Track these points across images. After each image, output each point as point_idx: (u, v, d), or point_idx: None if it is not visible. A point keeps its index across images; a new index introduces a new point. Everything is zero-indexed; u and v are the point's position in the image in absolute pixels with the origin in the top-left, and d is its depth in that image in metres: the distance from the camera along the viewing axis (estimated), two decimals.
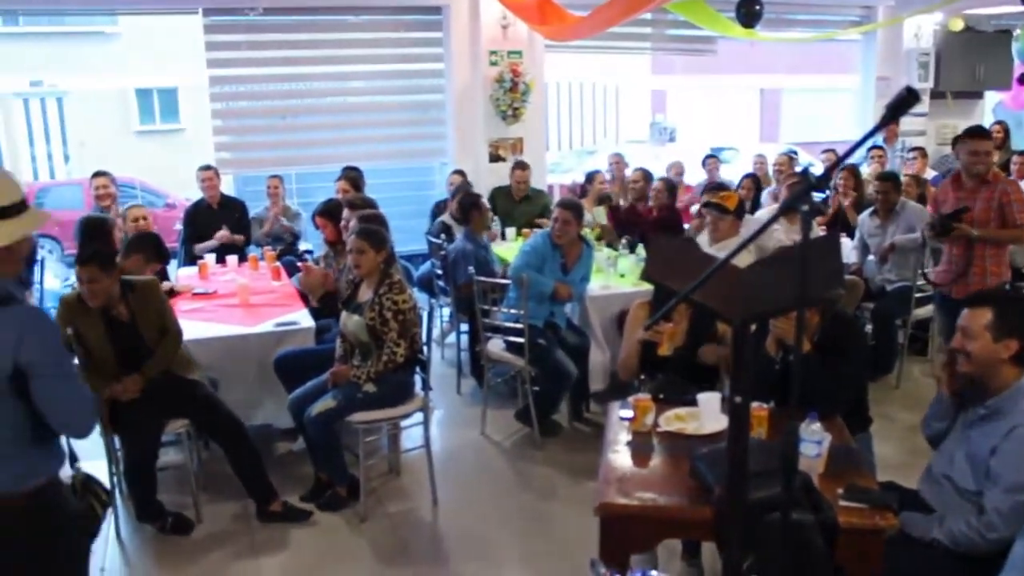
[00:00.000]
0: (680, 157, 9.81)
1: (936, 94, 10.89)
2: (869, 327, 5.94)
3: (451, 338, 6.80)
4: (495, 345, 5.34)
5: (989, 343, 2.82)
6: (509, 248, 6.76)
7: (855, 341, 3.51)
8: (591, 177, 8.26)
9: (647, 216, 7.04)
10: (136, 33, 17.74)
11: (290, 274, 6.23)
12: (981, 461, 2.78)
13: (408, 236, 8.08)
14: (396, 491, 4.69)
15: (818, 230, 6.40)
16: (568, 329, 5.46)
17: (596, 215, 7.28)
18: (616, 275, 5.86)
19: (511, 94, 8.59)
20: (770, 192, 8.17)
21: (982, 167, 4.92)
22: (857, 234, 6.47)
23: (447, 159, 9.06)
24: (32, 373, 2.30)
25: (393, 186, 9.20)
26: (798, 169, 8.81)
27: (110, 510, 3.08)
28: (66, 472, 2.76)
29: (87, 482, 2.84)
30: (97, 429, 3.49)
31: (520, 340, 5.06)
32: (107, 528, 2.97)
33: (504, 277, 5.52)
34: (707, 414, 3.20)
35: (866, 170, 8.59)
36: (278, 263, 6.41)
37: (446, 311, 6.95)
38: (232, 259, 6.69)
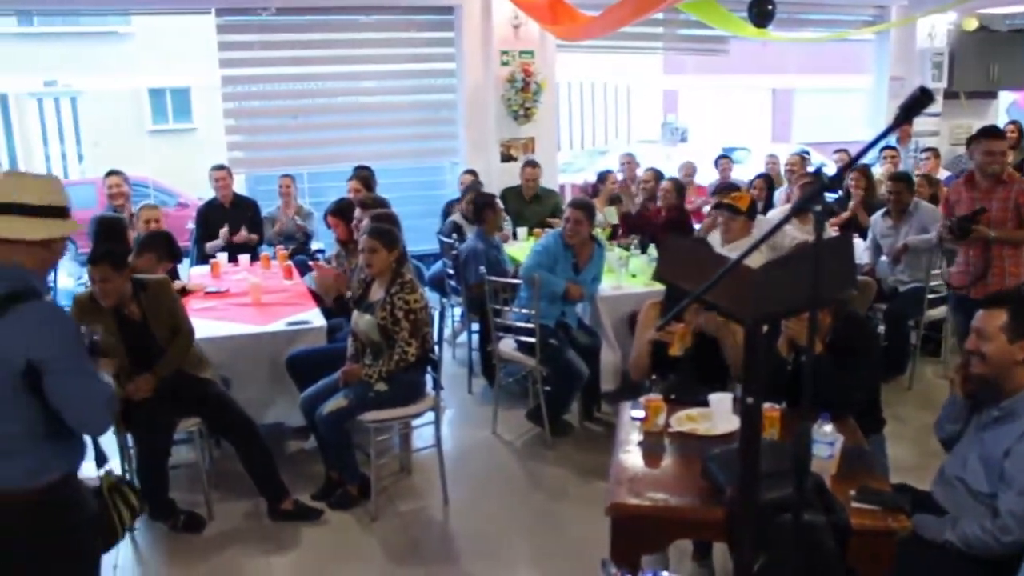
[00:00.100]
0: (692, 157, 9.78)
1: (950, 94, 10.83)
2: (882, 328, 5.91)
3: (462, 338, 6.81)
4: (506, 345, 5.34)
5: (1004, 344, 2.81)
6: (521, 248, 6.75)
7: (867, 342, 3.50)
8: (603, 177, 8.26)
9: (656, 217, 7.03)
10: (149, 33, 17.80)
11: (302, 273, 6.25)
12: (995, 463, 2.76)
13: (419, 236, 8.08)
14: (407, 490, 4.69)
15: (831, 231, 6.37)
16: (579, 329, 5.46)
17: (608, 215, 7.27)
18: (628, 275, 5.85)
19: (523, 94, 8.59)
20: (784, 192, 8.15)
21: (997, 167, 4.90)
22: (870, 235, 6.44)
23: (458, 159, 9.06)
24: (45, 369, 2.31)
25: (404, 186, 9.20)
26: (810, 169, 8.78)
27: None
28: (94, 473, 2.77)
29: (118, 486, 2.81)
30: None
31: (531, 340, 5.06)
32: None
33: (515, 277, 5.52)
34: (719, 415, 3.19)
35: (879, 170, 8.55)
36: (290, 262, 6.43)
37: (457, 311, 6.95)
38: (244, 258, 6.71)
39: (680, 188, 7.11)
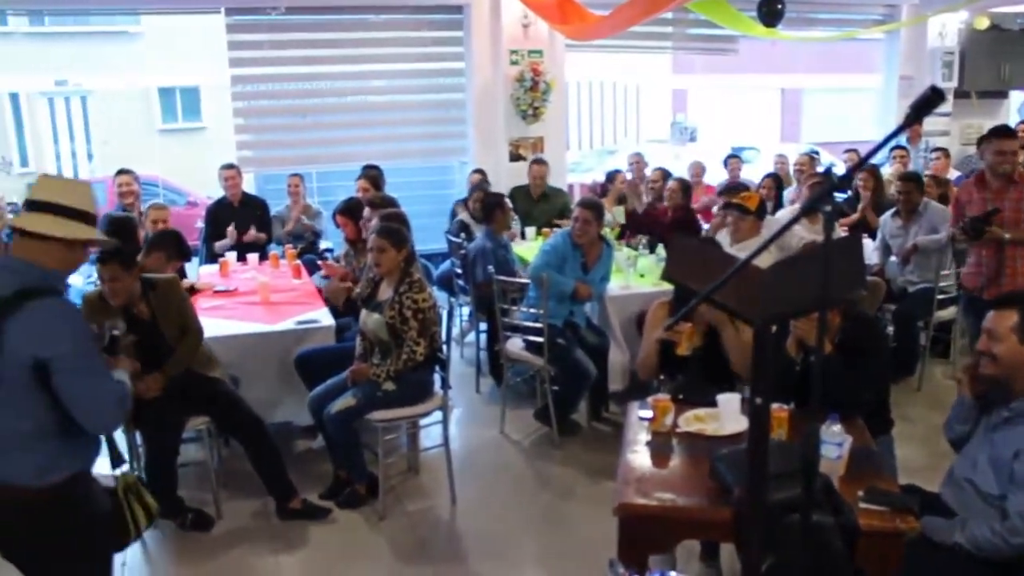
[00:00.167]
0: (700, 157, 9.76)
1: (960, 93, 10.78)
2: (891, 329, 5.89)
3: (470, 337, 6.81)
4: (514, 344, 5.34)
5: (1015, 345, 2.80)
6: (529, 247, 6.75)
7: (876, 342, 3.49)
8: (612, 176, 8.25)
9: (663, 216, 7.01)
10: (159, 33, 17.87)
11: (311, 272, 6.26)
12: (1004, 465, 2.75)
13: (428, 235, 8.09)
14: (415, 489, 4.70)
15: (840, 231, 6.35)
16: (588, 329, 5.45)
17: (616, 214, 7.26)
18: (636, 275, 5.84)
19: (531, 93, 8.59)
20: (793, 191, 8.13)
21: (1008, 167, 4.87)
22: (879, 235, 6.41)
23: (467, 158, 9.07)
24: (53, 367, 2.33)
25: (413, 185, 9.21)
26: (820, 169, 8.75)
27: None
28: (109, 472, 2.78)
29: (135, 487, 2.83)
30: None
31: (540, 339, 5.06)
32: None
33: (523, 276, 5.52)
34: (727, 415, 3.18)
35: (888, 170, 8.52)
36: (299, 261, 6.44)
37: (465, 310, 6.95)
38: (253, 257, 6.73)
39: (686, 188, 7.10)
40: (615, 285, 5.58)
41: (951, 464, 3.06)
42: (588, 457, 5.00)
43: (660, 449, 3.10)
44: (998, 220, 4.86)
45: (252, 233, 7.18)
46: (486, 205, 6.32)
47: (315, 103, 8.84)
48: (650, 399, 3.29)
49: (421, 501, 4.57)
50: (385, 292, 4.42)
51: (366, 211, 5.47)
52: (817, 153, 10.73)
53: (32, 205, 2.46)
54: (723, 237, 5.42)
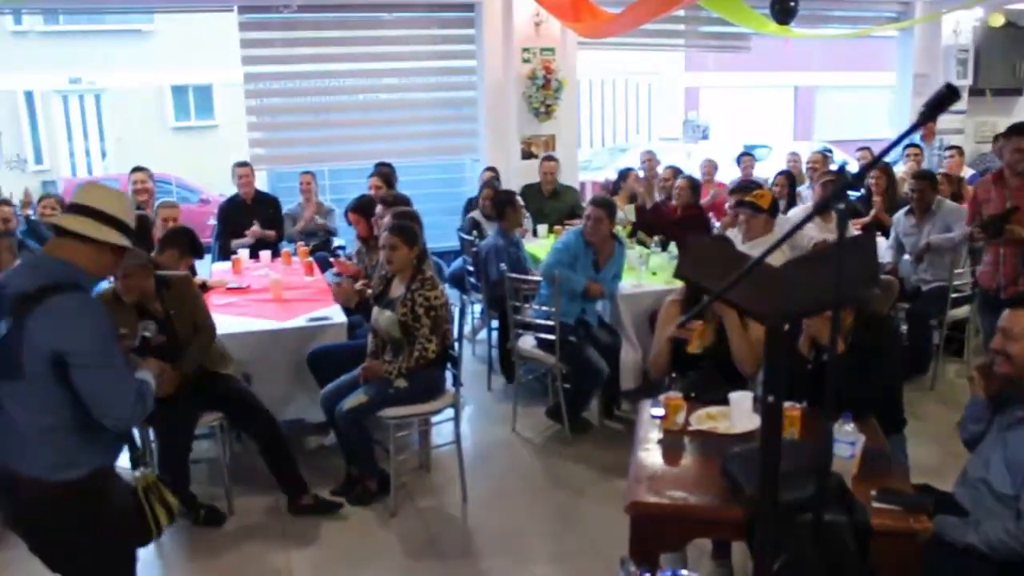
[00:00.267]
0: (713, 155, 9.73)
1: (975, 91, 10.71)
2: (904, 328, 5.87)
3: (482, 334, 6.81)
4: (526, 342, 5.34)
5: None
6: (541, 245, 6.75)
7: (889, 341, 3.47)
8: (624, 174, 8.24)
9: (671, 215, 6.99)
10: (172, 31, 17.95)
11: (323, 269, 6.27)
12: (1019, 464, 2.73)
13: (440, 232, 8.11)
14: (426, 487, 4.70)
15: (853, 232, 6.32)
16: (600, 327, 5.45)
17: (628, 213, 7.25)
18: (648, 273, 5.83)
19: (544, 91, 8.59)
20: (807, 189, 8.09)
21: None
22: (892, 233, 6.38)
23: (479, 156, 9.07)
24: (71, 361, 2.35)
25: (425, 183, 9.24)
26: (833, 167, 8.71)
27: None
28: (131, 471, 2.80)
29: (155, 486, 2.84)
30: None
31: (551, 337, 5.06)
32: None
33: (535, 274, 5.52)
34: (739, 413, 3.18)
35: (902, 168, 8.48)
36: (311, 258, 6.45)
37: (477, 307, 6.96)
38: (265, 254, 6.74)
39: (695, 186, 7.08)
40: (627, 283, 5.57)
41: (965, 464, 3.05)
42: (600, 455, 4.99)
43: (672, 447, 3.10)
44: (1017, 218, 4.83)
45: (255, 229, 7.19)
46: (497, 203, 6.32)
47: (328, 101, 8.85)
48: (662, 397, 3.28)
49: (432, 498, 4.58)
50: (397, 289, 4.43)
51: (378, 209, 5.48)
52: (830, 151, 10.69)
53: (73, 208, 2.53)
54: (734, 235, 5.41)
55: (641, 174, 8.54)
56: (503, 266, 5.42)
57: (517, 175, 8.47)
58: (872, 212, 7.11)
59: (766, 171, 10.09)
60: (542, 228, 7.39)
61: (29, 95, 19.01)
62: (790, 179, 8.11)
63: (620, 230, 6.27)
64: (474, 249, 6.47)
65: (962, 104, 10.42)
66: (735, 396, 3.21)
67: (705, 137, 16.88)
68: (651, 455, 3.04)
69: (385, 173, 7.32)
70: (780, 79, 20.42)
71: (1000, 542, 2.66)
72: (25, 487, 2.45)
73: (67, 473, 2.44)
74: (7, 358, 2.35)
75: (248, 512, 4.39)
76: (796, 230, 1.73)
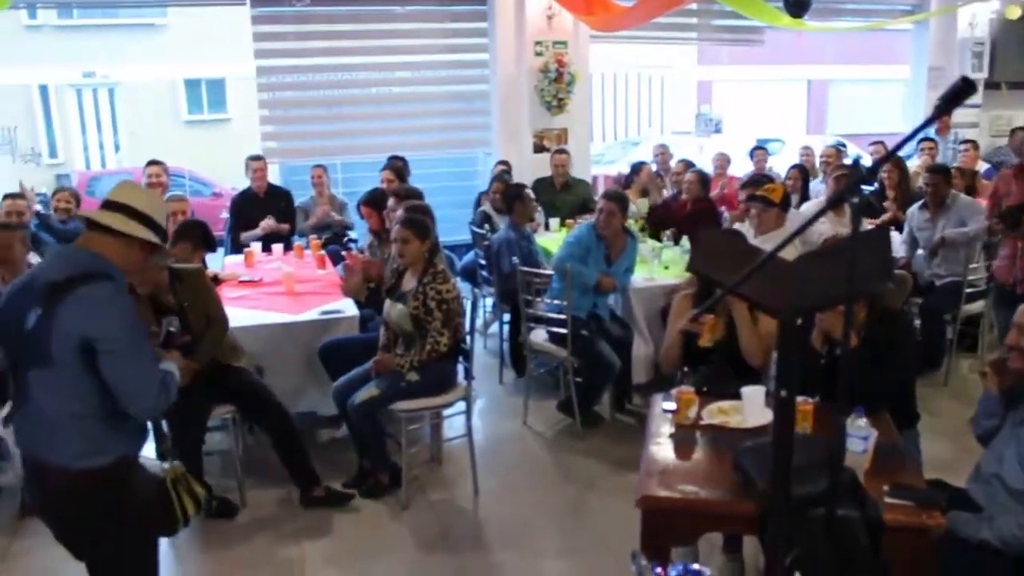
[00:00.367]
0: (726, 148, 9.70)
1: (991, 84, 10.63)
2: (917, 322, 5.84)
3: (494, 328, 6.82)
4: (538, 336, 5.34)
5: None
6: (553, 239, 6.74)
7: (903, 336, 3.46)
8: (637, 168, 8.21)
9: (682, 209, 6.97)
10: (185, 25, 18.00)
11: (335, 262, 6.28)
12: None
13: (452, 226, 8.10)
14: (438, 480, 4.72)
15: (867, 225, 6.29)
16: (612, 321, 5.44)
17: (641, 206, 7.23)
18: (660, 267, 5.82)
19: (556, 84, 8.57)
20: (820, 183, 8.06)
21: None
22: (906, 228, 6.34)
23: (491, 149, 9.07)
24: (99, 347, 2.39)
25: (437, 176, 9.24)
26: (847, 161, 8.66)
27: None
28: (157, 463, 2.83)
29: (184, 478, 2.87)
30: None
31: (563, 331, 5.06)
32: None
33: (547, 268, 5.52)
34: (751, 407, 3.17)
35: (916, 162, 8.43)
36: (323, 251, 6.46)
37: (489, 301, 6.96)
38: (278, 247, 6.75)
39: (704, 180, 7.05)
40: (639, 277, 5.57)
41: (978, 459, 3.03)
42: (611, 449, 4.99)
43: (683, 441, 3.10)
44: None
45: (269, 223, 7.20)
46: (506, 197, 6.31)
47: (340, 94, 8.86)
48: (674, 391, 3.28)
49: (444, 491, 4.59)
50: (409, 283, 4.43)
51: (390, 202, 5.48)
52: (844, 145, 10.63)
53: (107, 204, 2.58)
54: (745, 229, 5.39)
55: (653, 168, 8.52)
56: (515, 259, 5.42)
57: (529, 168, 8.46)
58: (887, 214, 7.06)
59: (779, 165, 10.04)
60: (554, 222, 7.38)
61: (43, 89, 19.11)
62: (803, 173, 8.08)
63: (632, 224, 6.25)
64: (486, 242, 6.47)
65: (977, 98, 10.32)
66: (747, 390, 3.20)
67: (718, 131, 16.82)
68: (663, 449, 3.04)
69: (398, 167, 7.32)
70: (793, 72, 20.34)
71: (1014, 537, 2.64)
72: (53, 475, 2.49)
73: (93, 461, 2.47)
74: (37, 346, 2.39)
75: (260, 504, 4.41)
76: (810, 223, 1.72)
